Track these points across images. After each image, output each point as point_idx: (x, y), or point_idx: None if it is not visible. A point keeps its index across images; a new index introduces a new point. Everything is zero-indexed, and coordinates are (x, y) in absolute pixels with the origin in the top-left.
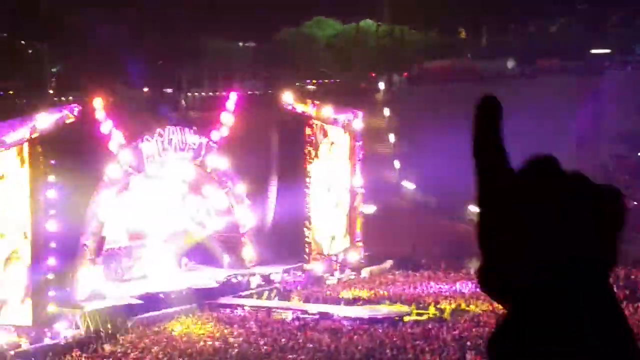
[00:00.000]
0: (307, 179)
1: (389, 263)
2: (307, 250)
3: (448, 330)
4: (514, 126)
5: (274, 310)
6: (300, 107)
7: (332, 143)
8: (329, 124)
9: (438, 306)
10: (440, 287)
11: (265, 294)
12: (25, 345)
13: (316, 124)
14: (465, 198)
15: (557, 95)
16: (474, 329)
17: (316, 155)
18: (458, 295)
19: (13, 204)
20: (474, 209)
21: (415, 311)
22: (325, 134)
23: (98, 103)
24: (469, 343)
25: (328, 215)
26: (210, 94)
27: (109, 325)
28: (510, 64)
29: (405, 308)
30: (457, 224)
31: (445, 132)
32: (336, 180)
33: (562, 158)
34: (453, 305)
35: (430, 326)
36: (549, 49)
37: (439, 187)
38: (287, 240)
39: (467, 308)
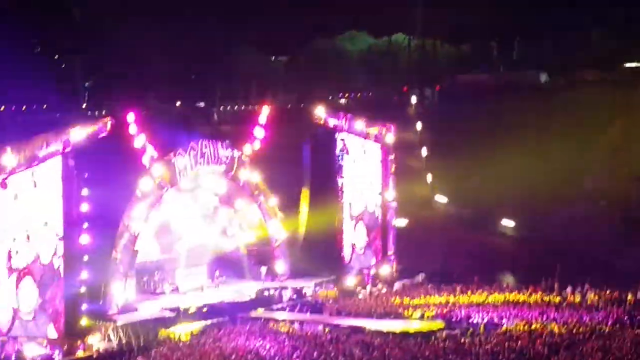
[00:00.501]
0: (339, 193)
1: (421, 276)
2: (339, 263)
3: (480, 345)
4: (548, 137)
5: (306, 323)
6: (332, 121)
7: (364, 157)
8: (361, 138)
9: (470, 320)
10: (472, 301)
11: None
12: (57, 358)
13: (348, 138)
14: (498, 212)
15: (592, 107)
16: (506, 343)
17: (348, 169)
18: (491, 309)
19: (46, 217)
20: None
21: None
22: (357, 148)
23: (131, 117)
24: (501, 357)
25: (358, 228)
26: (243, 107)
27: (141, 338)
28: (543, 76)
29: (437, 322)
30: (490, 237)
31: (477, 146)
32: (368, 194)
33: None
34: (485, 319)
35: (462, 340)
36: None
37: (471, 200)
38: (319, 254)
39: (499, 322)
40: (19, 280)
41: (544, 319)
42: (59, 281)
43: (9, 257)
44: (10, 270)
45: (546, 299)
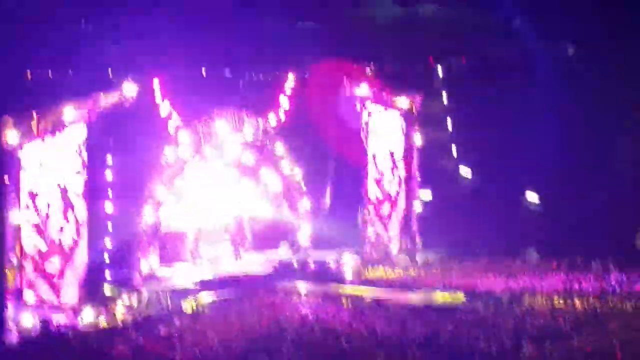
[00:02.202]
0: (364, 164)
1: (444, 249)
2: (362, 235)
3: (504, 319)
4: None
5: (328, 295)
6: (358, 91)
7: (389, 128)
8: (387, 108)
9: (493, 295)
10: (496, 276)
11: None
12: (81, 326)
13: (373, 108)
14: (524, 184)
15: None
16: (529, 319)
17: (372, 139)
18: (514, 284)
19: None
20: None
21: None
22: (382, 118)
23: (156, 84)
24: (523, 331)
25: (382, 200)
26: (269, 75)
27: (164, 308)
28: (571, 50)
29: (460, 295)
30: (515, 210)
31: (504, 118)
32: (392, 165)
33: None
34: (509, 294)
35: (485, 314)
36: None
37: (497, 173)
38: (343, 225)
39: (522, 297)
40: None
41: (567, 294)
42: (82, 249)
43: (35, 226)
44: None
45: (569, 274)
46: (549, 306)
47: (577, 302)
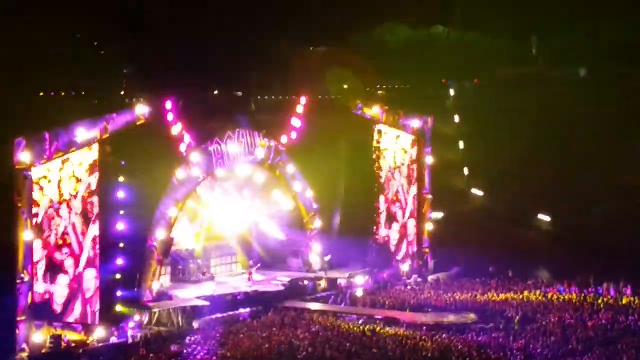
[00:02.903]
0: (376, 184)
1: (455, 270)
2: (373, 255)
3: (514, 339)
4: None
5: (339, 314)
6: (369, 112)
7: (401, 149)
8: (398, 130)
9: (504, 314)
10: (507, 295)
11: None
12: (92, 343)
13: (385, 129)
14: (534, 206)
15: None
16: (540, 339)
17: (384, 160)
18: (525, 304)
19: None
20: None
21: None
22: (394, 139)
23: (168, 105)
24: (534, 352)
25: (393, 220)
26: (280, 97)
27: (175, 326)
28: (582, 71)
29: (471, 315)
30: (526, 231)
31: (515, 140)
32: (404, 186)
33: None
34: (519, 314)
35: (496, 334)
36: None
37: (507, 194)
38: (354, 245)
39: (533, 317)
40: (56, 266)
41: (579, 315)
42: (94, 268)
43: (47, 244)
44: (48, 257)
45: (581, 295)
46: (560, 326)
47: (587, 322)
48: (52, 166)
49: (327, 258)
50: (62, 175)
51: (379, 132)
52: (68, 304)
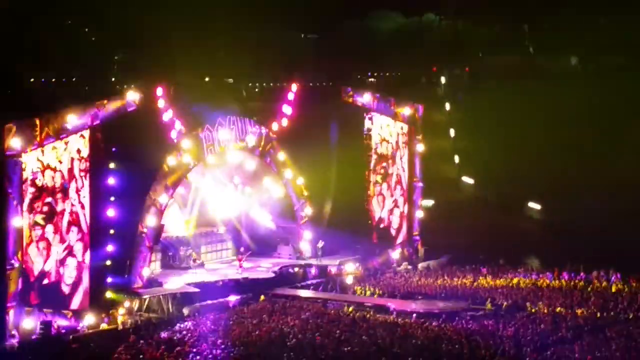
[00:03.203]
0: (367, 172)
1: (445, 258)
2: (364, 242)
3: (504, 327)
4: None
5: (329, 302)
6: (360, 100)
7: (392, 136)
8: (389, 117)
9: (494, 302)
10: (497, 283)
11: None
12: (82, 330)
13: (376, 117)
14: (525, 194)
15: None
16: (530, 326)
17: (375, 148)
18: (515, 292)
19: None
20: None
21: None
22: (385, 127)
23: (159, 92)
24: (524, 340)
25: (384, 208)
26: (271, 84)
27: (165, 313)
28: (574, 60)
29: (461, 303)
30: (516, 220)
31: (505, 128)
32: (394, 174)
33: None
34: (509, 302)
35: (486, 322)
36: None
37: (498, 182)
38: (344, 233)
39: (523, 305)
40: (48, 252)
41: (568, 302)
42: (85, 254)
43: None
44: (40, 242)
45: (571, 283)
46: (550, 313)
47: (578, 310)
48: (42, 152)
49: (321, 244)
50: (52, 162)
51: (370, 119)
52: (58, 290)
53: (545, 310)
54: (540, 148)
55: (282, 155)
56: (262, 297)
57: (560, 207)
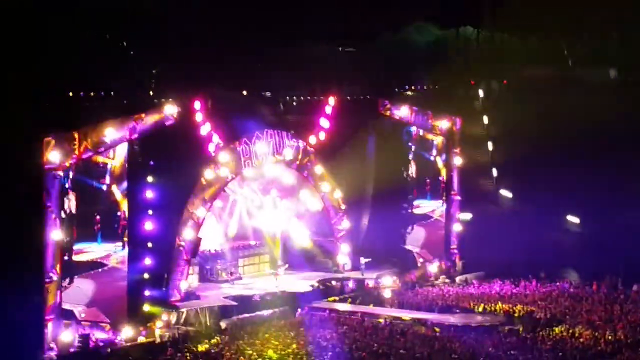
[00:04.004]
0: (404, 185)
1: (483, 271)
2: (401, 256)
3: (543, 341)
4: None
5: (367, 315)
6: (398, 113)
7: (430, 149)
8: (427, 131)
9: (533, 316)
10: (536, 297)
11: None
12: (120, 343)
13: (414, 130)
14: (564, 208)
15: None
16: (569, 340)
17: (412, 161)
18: (555, 306)
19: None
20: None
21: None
22: (422, 140)
23: (197, 105)
24: (563, 354)
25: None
26: (309, 98)
27: (203, 326)
28: (612, 72)
29: (499, 316)
30: (554, 233)
31: (544, 141)
32: (432, 187)
33: None
34: (549, 316)
35: (525, 335)
36: None
37: (536, 195)
38: (382, 247)
39: (562, 319)
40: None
41: (607, 316)
42: (122, 267)
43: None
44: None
45: (610, 296)
46: (590, 327)
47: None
48: (80, 166)
49: (364, 261)
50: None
51: (408, 132)
52: (96, 303)
53: (585, 324)
54: (580, 161)
55: (319, 169)
56: (299, 310)
57: (600, 220)
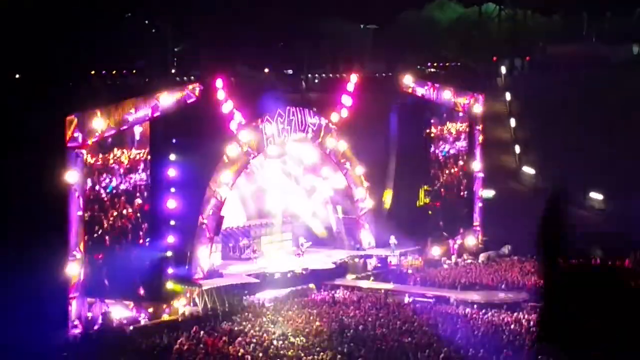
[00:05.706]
0: (427, 162)
1: (506, 248)
2: (424, 233)
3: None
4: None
5: (390, 292)
6: (420, 90)
7: (452, 126)
8: (449, 108)
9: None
10: None
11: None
12: (143, 321)
13: (436, 107)
14: (587, 184)
15: None
16: None
17: (435, 138)
18: None
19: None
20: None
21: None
22: (445, 117)
23: (219, 83)
24: None
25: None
26: (331, 75)
27: (225, 304)
28: (636, 49)
29: (522, 294)
30: (577, 210)
31: (566, 118)
32: (454, 164)
33: None
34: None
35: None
36: None
37: (559, 172)
38: (405, 223)
39: None
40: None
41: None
42: (145, 245)
43: (98, 222)
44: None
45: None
46: None
47: None
48: (103, 144)
49: (394, 240)
50: (113, 153)
51: (430, 109)
52: (119, 281)
53: None
54: (603, 137)
55: (342, 146)
56: (313, 286)
57: (623, 197)
